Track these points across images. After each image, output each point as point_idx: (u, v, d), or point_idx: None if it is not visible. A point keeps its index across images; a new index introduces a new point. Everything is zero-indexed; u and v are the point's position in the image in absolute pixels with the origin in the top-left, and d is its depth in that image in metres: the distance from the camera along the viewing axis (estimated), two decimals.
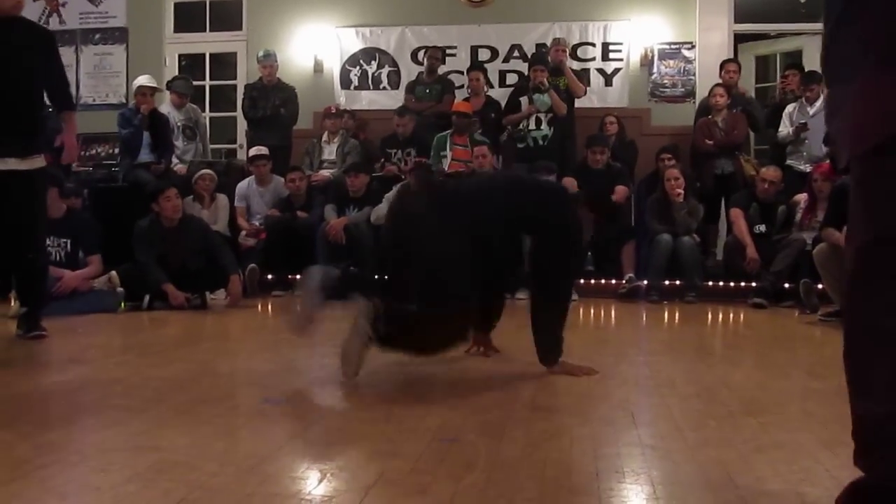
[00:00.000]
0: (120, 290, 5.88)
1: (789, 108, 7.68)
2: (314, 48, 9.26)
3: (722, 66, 8.12)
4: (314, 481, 1.94)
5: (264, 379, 3.36)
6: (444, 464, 2.08)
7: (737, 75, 7.99)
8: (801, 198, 6.79)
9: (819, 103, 7.51)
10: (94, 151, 8.82)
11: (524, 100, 7.86)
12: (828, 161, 6.99)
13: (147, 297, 5.89)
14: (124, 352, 4.34)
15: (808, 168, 7.27)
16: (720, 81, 7.91)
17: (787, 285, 6.49)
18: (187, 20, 9.74)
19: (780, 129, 7.70)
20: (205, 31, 9.73)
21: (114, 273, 5.92)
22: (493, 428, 2.46)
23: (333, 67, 9.31)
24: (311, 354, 4.01)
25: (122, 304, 5.87)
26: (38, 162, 4.29)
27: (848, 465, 1.85)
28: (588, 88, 8.76)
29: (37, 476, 1.95)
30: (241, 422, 2.63)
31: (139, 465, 2.02)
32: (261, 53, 8.35)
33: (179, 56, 9.74)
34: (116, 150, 8.07)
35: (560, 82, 7.78)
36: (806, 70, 7.98)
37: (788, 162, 7.57)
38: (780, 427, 2.53)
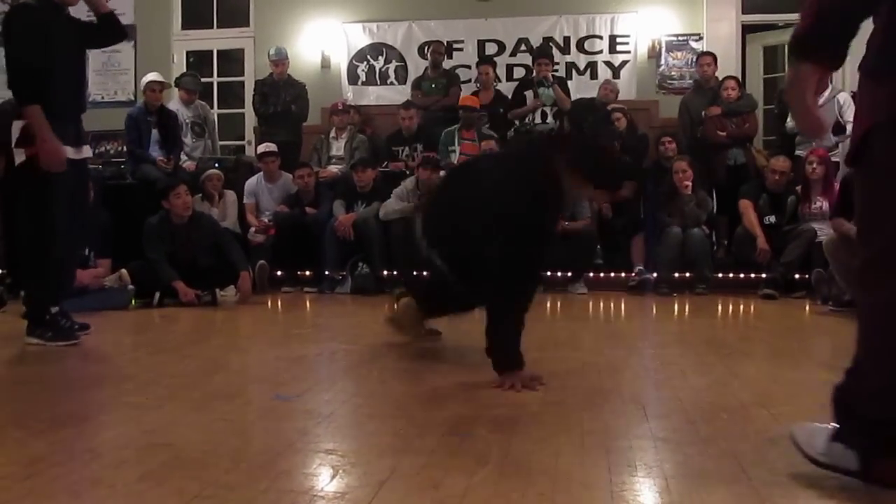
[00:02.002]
0: (130, 287, 5.90)
1: None
2: (321, 44, 9.26)
3: (697, 59, 8.20)
4: (327, 477, 1.94)
5: (276, 375, 3.37)
6: (457, 458, 2.08)
7: (711, 67, 7.96)
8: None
9: (827, 93, 7.46)
10: (103, 148, 8.85)
11: (529, 94, 7.86)
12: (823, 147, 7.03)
13: (157, 294, 5.92)
14: (135, 349, 4.36)
15: None
16: (731, 74, 7.91)
17: (797, 276, 6.47)
18: (195, 17, 9.75)
19: (787, 120, 7.67)
20: (212, 27, 9.75)
21: (124, 270, 5.95)
22: (505, 422, 2.46)
23: (341, 63, 9.31)
24: (321, 351, 4.02)
25: (133, 301, 5.89)
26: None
27: None
28: (596, 81, 8.78)
29: (50, 473, 1.96)
30: (254, 418, 2.64)
31: (152, 462, 2.03)
32: (272, 51, 8.34)
33: (187, 53, 9.75)
34: (125, 148, 8.09)
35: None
36: None
37: (798, 152, 7.53)
38: (792, 418, 2.51)
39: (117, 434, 2.37)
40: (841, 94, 7.54)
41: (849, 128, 7.34)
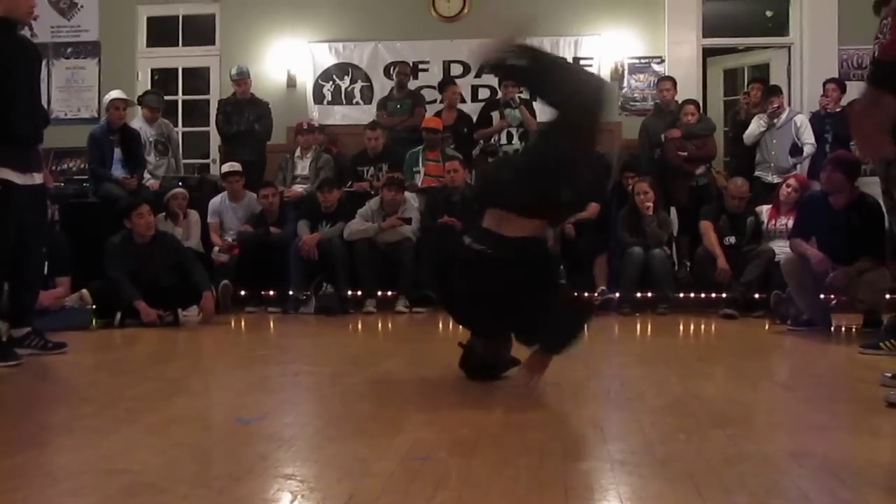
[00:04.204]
0: (91, 306, 5.84)
1: (755, 119, 7.81)
2: (287, 63, 9.26)
3: (657, 83, 8.36)
4: (285, 503, 1.94)
5: (238, 397, 3.36)
6: (416, 482, 2.09)
7: (671, 92, 8.10)
8: (763, 209, 6.90)
9: (784, 115, 7.63)
10: (65, 166, 8.76)
11: (496, 114, 7.93)
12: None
13: (119, 314, 5.86)
14: (95, 370, 4.30)
15: (775, 179, 7.39)
16: (692, 97, 8.07)
17: (757, 295, 6.57)
18: (160, 34, 9.70)
19: (744, 135, 7.84)
20: (177, 45, 9.71)
21: (85, 290, 5.89)
22: (465, 445, 2.47)
23: (307, 82, 9.31)
24: (284, 372, 4.01)
25: (94, 321, 5.82)
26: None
27: (814, 477, 1.89)
28: None
29: (5, 500, 1.93)
30: (214, 442, 2.63)
31: (110, 488, 2.01)
32: (234, 71, 8.31)
33: (152, 70, 9.69)
34: (87, 166, 8.01)
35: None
36: (770, 83, 8.18)
37: (756, 173, 7.69)
38: (747, 439, 2.57)
39: (74, 459, 2.35)
40: (798, 117, 7.71)
41: (805, 149, 7.51)
